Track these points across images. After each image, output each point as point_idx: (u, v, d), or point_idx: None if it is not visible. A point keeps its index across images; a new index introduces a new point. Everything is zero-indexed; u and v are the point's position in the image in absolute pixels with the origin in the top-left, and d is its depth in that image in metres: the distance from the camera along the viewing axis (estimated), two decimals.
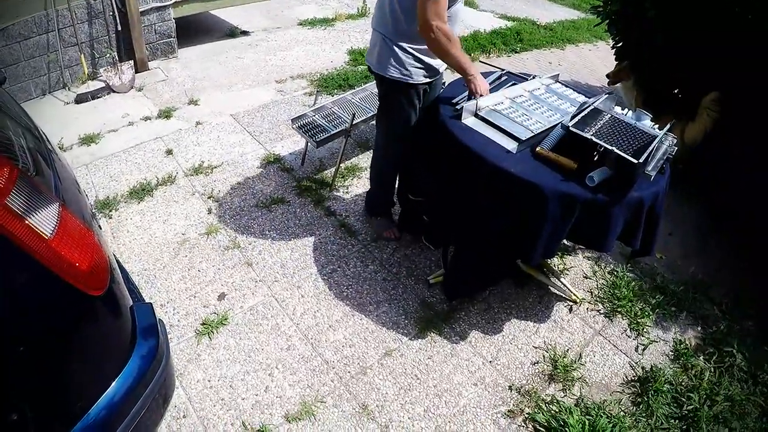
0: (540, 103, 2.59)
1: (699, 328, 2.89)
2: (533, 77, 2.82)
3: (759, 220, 3.37)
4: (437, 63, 2.54)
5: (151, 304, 1.64)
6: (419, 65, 2.50)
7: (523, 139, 2.21)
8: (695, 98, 3.58)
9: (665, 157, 2.15)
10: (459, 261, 2.51)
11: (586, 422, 2.24)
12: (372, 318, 2.66)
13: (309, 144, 3.57)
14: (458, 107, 2.41)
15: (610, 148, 1.99)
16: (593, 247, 2.48)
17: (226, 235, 3.07)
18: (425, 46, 2.38)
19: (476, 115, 2.37)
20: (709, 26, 3.24)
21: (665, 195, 2.29)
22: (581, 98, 2.66)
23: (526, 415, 2.31)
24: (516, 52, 6.24)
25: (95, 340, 1.37)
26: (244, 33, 5.81)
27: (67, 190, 1.49)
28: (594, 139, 2.03)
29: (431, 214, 2.50)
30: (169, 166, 3.60)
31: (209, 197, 3.33)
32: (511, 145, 2.20)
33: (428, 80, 2.57)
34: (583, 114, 2.18)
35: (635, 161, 1.93)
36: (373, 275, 2.90)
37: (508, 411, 2.33)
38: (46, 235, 1.16)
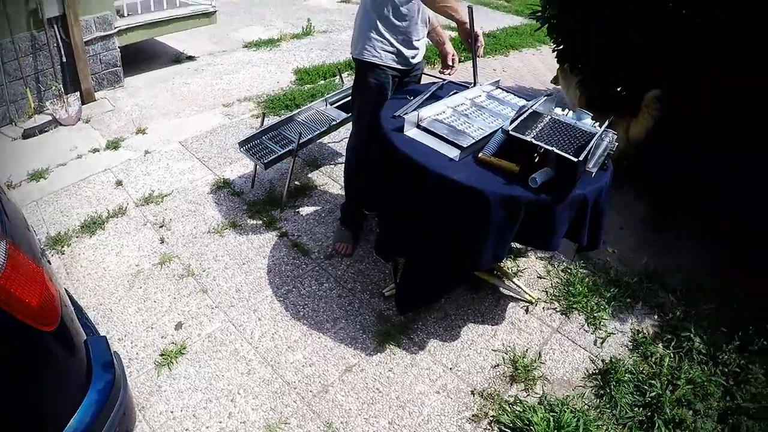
0: (481, 110, 2.63)
1: (656, 317, 2.96)
2: (474, 85, 2.87)
3: (707, 208, 3.50)
4: (410, 53, 2.76)
5: (105, 337, 1.61)
6: (390, 49, 2.71)
7: (465, 146, 2.24)
8: (637, 96, 3.68)
9: (606, 154, 2.20)
10: (409, 273, 2.51)
11: (551, 419, 2.26)
12: (330, 335, 2.64)
13: (258, 166, 3.55)
14: (400, 119, 2.43)
15: (549, 148, 2.03)
16: (541, 247, 2.53)
17: (179, 263, 3.01)
18: (397, 34, 2.67)
19: (418, 126, 2.39)
20: (645, 25, 3.35)
21: (608, 190, 2.34)
22: (523, 102, 2.71)
23: (491, 418, 2.32)
24: (460, 62, 6.29)
25: (49, 376, 1.33)
26: (190, 58, 5.77)
27: (15, 227, 1.46)
28: (533, 141, 2.07)
29: (381, 227, 2.50)
30: (119, 197, 3.53)
31: (161, 226, 3.27)
32: (453, 153, 2.22)
33: (398, 66, 2.77)
34: (522, 117, 2.22)
35: (575, 159, 1.98)
36: (328, 293, 2.89)
37: (473, 416, 2.33)
38: None
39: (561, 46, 4.14)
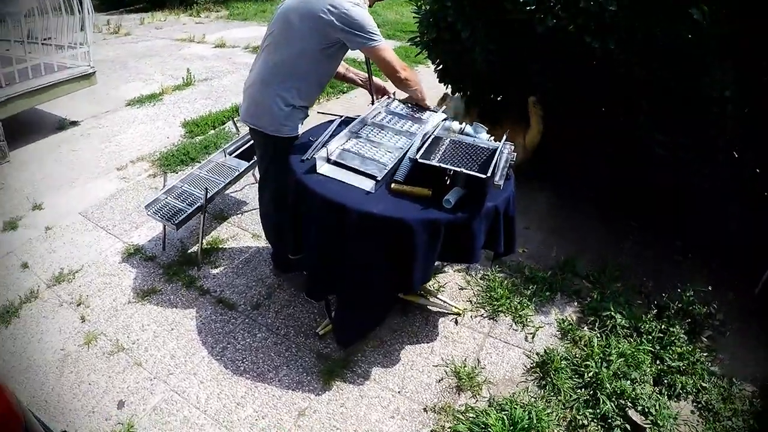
0: (384, 130, 2.72)
1: (575, 303, 3.19)
2: (372, 103, 2.99)
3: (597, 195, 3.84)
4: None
5: None
6: (304, 116, 2.78)
7: (379, 177, 2.33)
8: (524, 104, 3.97)
9: (508, 165, 2.37)
10: (344, 309, 2.57)
11: (504, 418, 2.39)
12: (275, 384, 2.63)
13: (167, 228, 3.47)
14: (309, 158, 2.49)
15: (458, 170, 2.17)
16: (463, 261, 2.67)
17: (106, 340, 2.89)
18: (312, 100, 2.77)
19: (329, 161, 2.46)
20: (519, 41, 3.65)
21: (515, 197, 2.52)
22: (420, 114, 2.86)
23: (449, 429, 2.41)
24: (344, 92, 6.45)
25: None
26: (74, 123, 5.51)
27: None
28: (441, 165, 2.20)
29: (308, 269, 2.53)
30: (28, 280, 3.33)
31: (79, 304, 3.11)
32: (368, 185, 2.31)
33: None
34: (426, 144, 2.35)
35: (484, 176, 2.12)
36: (263, 342, 2.87)
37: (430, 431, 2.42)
38: None
39: (440, 66, 4.37)
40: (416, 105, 2.90)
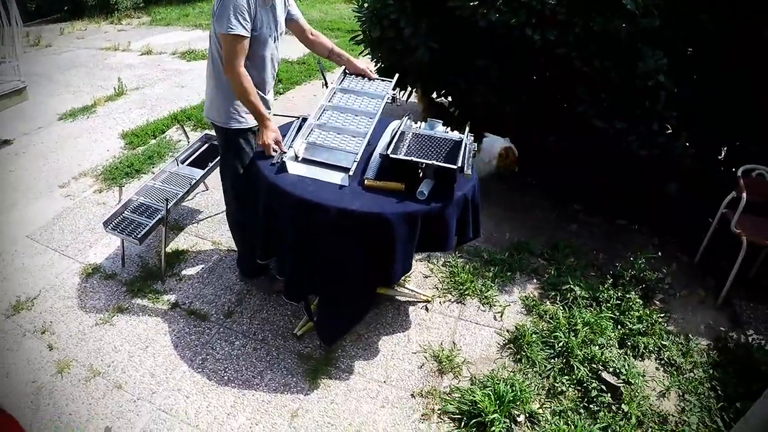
0: (345, 112, 2.76)
1: (535, 281, 3.38)
2: (325, 86, 3.05)
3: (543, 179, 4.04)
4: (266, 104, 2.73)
5: None
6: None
7: (351, 168, 2.39)
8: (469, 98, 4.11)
9: (470, 155, 2.48)
10: (326, 307, 2.61)
11: (490, 393, 2.52)
12: (262, 389, 2.65)
13: (126, 243, 3.40)
14: (277, 162, 2.51)
15: (430, 162, 2.26)
16: (438, 250, 2.78)
17: (80, 366, 2.79)
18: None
19: (297, 159, 2.49)
20: (462, 37, 3.79)
21: (479, 185, 2.64)
22: (375, 85, 2.93)
23: (439, 412, 2.52)
24: (281, 93, 6.41)
25: None
26: (6, 142, 5.22)
27: None
28: (413, 159, 2.28)
29: (287, 272, 2.55)
30: None
31: (43, 332, 2.98)
32: (340, 178, 2.37)
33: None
34: (395, 140, 2.42)
35: (454, 167, 2.22)
36: (242, 349, 2.88)
37: (422, 416, 2.51)
38: None
39: (382, 64, 4.46)
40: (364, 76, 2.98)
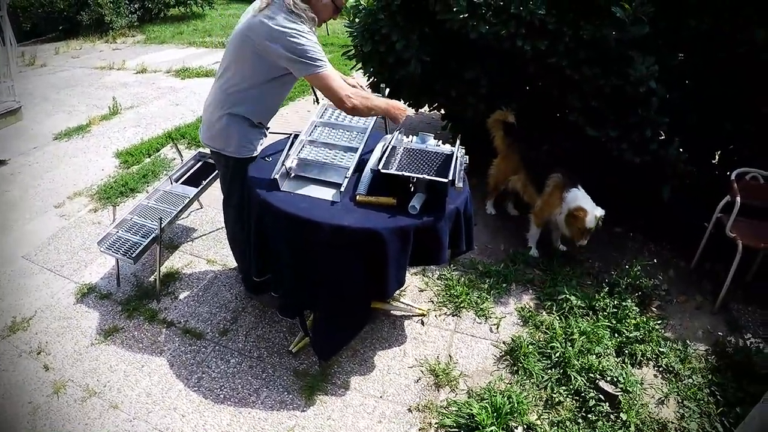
0: (336, 129, 2.79)
1: (531, 291, 3.38)
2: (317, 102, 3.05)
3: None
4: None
5: None
6: (262, 136, 2.73)
7: (342, 184, 2.40)
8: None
9: (462, 168, 2.48)
10: (322, 322, 2.60)
11: (487, 406, 2.51)
12: (259, 407, 2.63)
13: (120, 262, 3.40)
14: (271, 179, 2.52)
15: (421, 176, 2.26)
16: (431, 263, 2.76)
17: (76, 386, 2.77)
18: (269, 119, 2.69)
19: (289, 176, 2.51)
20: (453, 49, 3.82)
21: (471, 197, 2.64)
22: None
23: (436, 426, 2.51)
24: None
25: None
26: (1, 162, 5.23)
27: None
28: (404, 174, 2.29)
29: (282, 288, 2.55)
30: None
31: (39, 353, 2.97)
32: (332, 194, 2.38)
33: None
34: (386, 155, 2.43)
35: (446, 180, 2.23)
36: (238, 367, 2.86)
37: (419, 430, 2.50)
38: None
39: (375, 79, 4.48)
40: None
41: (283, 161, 2.58)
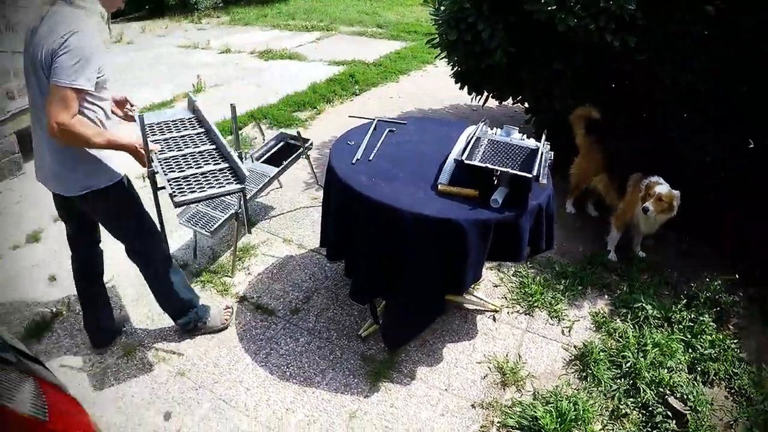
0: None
1: (606, 297, 3.26)
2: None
3: None
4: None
5: None
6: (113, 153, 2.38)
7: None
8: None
9: (547, 164, 2.41)
10: (393, 311, 2.59)
11: (551, 410, 2.44)
12: (323, 388, 2.66)
13: (198, 235, 3.49)
14: (354, 162, 2.53)
15: (505, 170, 2.21)
16: (509, 260, 2.71)
17: (146, 351, 2.89)
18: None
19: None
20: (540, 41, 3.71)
21: (554, 195, 2.56)
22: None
23: (498, 425, 2.46)
24: (356, 95, 6.52)
25: None
26: None
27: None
28: (488, 166, 2.24)
29: (355, 274, 2.56)
30: (57, 293, 3.31)
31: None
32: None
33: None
34: (470, 146, 2.39)
35: (530, 176, 2.17)
36: (307, 347, 2.90)
37: (481, 427, 2.46)
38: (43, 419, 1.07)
39: (459, 68, 4.42)
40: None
41: (366, 146, 2.58)
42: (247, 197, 3.48)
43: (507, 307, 3.17)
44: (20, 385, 1.11)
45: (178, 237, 3.79)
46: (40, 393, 1.12)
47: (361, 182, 2.40)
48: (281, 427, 2.48)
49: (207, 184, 2.45)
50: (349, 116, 3.30)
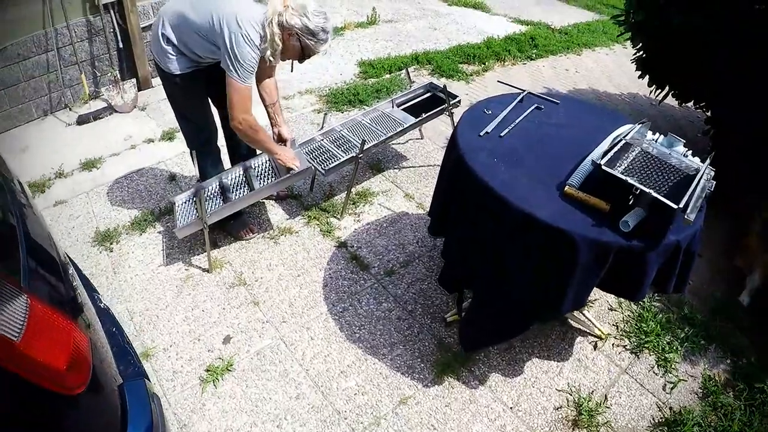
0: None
1: (728, 362, 2.73)
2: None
3: None
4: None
5: (143, 381, 1.49)
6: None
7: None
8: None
9: (704, 196, 1.98)
10: (478, 309, 2.32)
11: None
12: (386, 362, 2.51)
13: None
14: (483, 134, 2.27)
15: (647, 191, 1.83)
16: (623, 296, 2.32)
17: (231, 270, 2.92)
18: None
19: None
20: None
21: (701, 232, 2.12)
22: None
23: None
24: (531, 59, 6.08)
25: None
26: None
27: (41, 264, 1.34)
28: (629, 180, 1.87)
29: (448, 257, 2.33)
30: (172, 193, 3.45)
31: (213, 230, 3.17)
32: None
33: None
34: (615, 150, 2.02)
35: (675, 206, 1.78)
36: (387, 314, 2.75)
37: None
38: (13, 339, 1.00)
39: (644, 54, 3.86)
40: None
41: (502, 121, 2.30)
42: (372, 143, 3.32)
43: (614, 337, 2.77)
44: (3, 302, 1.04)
45: None
46: (24, 311, 1.05)
47: (478, 159, 2.13)
48: (328, 387, 2.39)
49: None
50: (498, 81, 2.96)
